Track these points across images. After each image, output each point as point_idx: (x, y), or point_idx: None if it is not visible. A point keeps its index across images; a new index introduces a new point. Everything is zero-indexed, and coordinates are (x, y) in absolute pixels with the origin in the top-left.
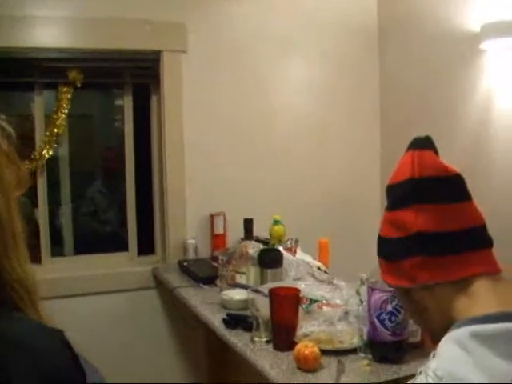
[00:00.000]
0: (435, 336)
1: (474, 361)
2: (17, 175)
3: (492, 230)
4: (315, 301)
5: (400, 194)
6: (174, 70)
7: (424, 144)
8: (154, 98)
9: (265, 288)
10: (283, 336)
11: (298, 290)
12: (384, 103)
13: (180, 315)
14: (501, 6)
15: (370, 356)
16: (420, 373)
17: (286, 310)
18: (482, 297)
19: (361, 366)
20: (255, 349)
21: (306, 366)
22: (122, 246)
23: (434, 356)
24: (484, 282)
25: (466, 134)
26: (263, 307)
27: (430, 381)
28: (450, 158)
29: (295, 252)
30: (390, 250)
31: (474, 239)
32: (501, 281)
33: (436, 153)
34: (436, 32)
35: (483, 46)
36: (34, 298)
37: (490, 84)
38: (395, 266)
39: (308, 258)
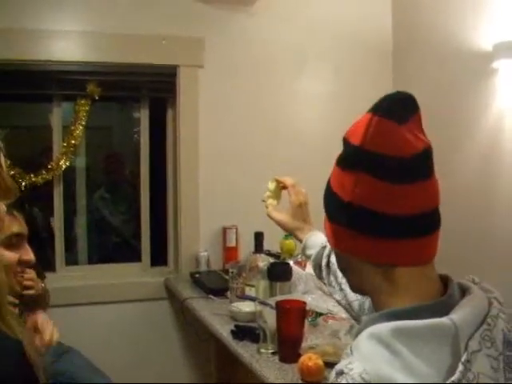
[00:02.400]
0: (350, 285)
1: (399, 361)
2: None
3: (503, 250)
4: (321, 314)
5: (348, 155)
6: (191, 84)
7: (390, 110)
8: (170, 112)
9: (272, 300)
10: (289, 348)
11: (304, 303)
12: None
13: (190, 326)
14: None
15: None
16: (340, 373)
17: (292, 322)
18: (404, 286)
19: None
20: (261, 360)
21: (310, 377)
22: (136, 257)
23: (351, 352)
24: (407, 270)
25: (477, 152)
26: (270, 319)
27: None
28: (462, 177)
29: (305, 266)
30: (327, 202)
31: (406, 226)
32: (427, 269)
33: (411, 114)
34: (449, 50)
35: (495, 64)
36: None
37: (502, 103)
38: (326, 219)
39: None
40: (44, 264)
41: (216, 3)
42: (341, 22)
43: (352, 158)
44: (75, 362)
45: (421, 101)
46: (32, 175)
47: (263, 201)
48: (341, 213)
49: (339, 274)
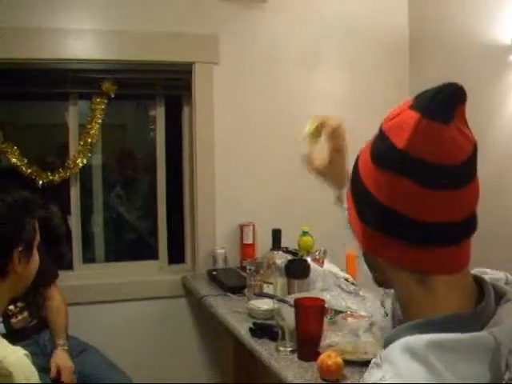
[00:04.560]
0: (374, 279)
1: (436, 379)
2: None
3: None
4: (340, 312)
5: (390, 156)
6: (206, 81)
7: (438, 111)
8: (185, 109)
9: (291, 298)
10: (308, 346)
11: (322, 301)
12: None
13: (208, 323)
14: None
15: None
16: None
17: (311, 320)
18: (439, 295)
19: None
20: (280, 358)
21: (329, 376)
22: (153, 255)
23: (382, 362)
24: (444, 278)
25: (495, 147)
26: (289, 317)
27: None
28: (479, 171)
29: (323, 263)
30: (358, 199)
31: (446, 233)
32: (463, 275)
33: (459, 108)
34: (466, 44)
35: None
36: None
37: None
38: (355, 216)
39: (335, 269)
40: (61, 262)
41: (230, 0)
42: (356, 18)
43: (394, 160)
44: (93, 359)
45: None
46: (49, 173)
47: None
48: (374, 214)
49: None
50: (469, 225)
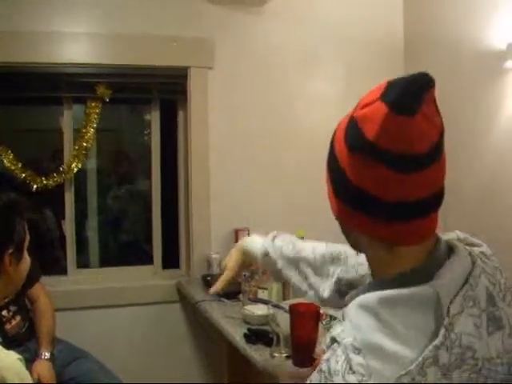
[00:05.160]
0: (349, 244)
1: (387, 329)
2: None
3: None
4: (335, 317)
5: (361, 145)
6: (201, 86)
7: (405, 103)
8: (181, 114)
9: (286, 304)
10: (303, 352)
11: (317, 307)
12: None
13: (202, 329)
14: None
15: None
16: (334, 340)
17: (306, 326)
18: (403, 257)
19: None
20: (275, 364)
21: None
22: (147, 260)
23: (343, 319)
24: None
25: (489, 152)
26: (283, 323)
27: (351, 353)
28: (473, 176)
29: None
30: (334, 177)
31: (415, 209)
32: (428, 242)
33: (426, 95)
34: (461, 49)
35: (509, 64)
36: None
37: None
38: (331, 192)
39: None
40: (55, 267)
41: (226, 4)
42: (352, 23)
43: (364, 147)
44: (86, 365)
45: None
46: (43, 178)
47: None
48: (347, 191)
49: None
50: (435, 199)
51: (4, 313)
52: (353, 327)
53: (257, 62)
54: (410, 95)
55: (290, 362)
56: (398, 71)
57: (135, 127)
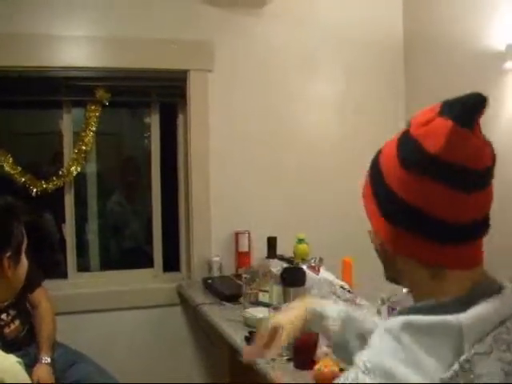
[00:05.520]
0: (388, 278)
1: (403, 353)
2: None
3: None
4: None
5: (422, 162)
6: (201, 89)
7: (467, 118)
8: (180, 117)
9: (286, 306)
10: (303, 354)
11: None
12: (410, 120)
13: (203, 332)
14: None
15: None
16: (355, 366)
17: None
18: (447, 287)
19: None
20: (276, 367)
21: None
22: (148, 263)
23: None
24: (456, 273)
25: None
26: None
27: (360, 373)
28: None
29: (319, 271)
30: (382, 200)
31: (466, 232)
32: (476, 273)
33: (479, 116)
34: (461, 50)
35: (508, 65)
36: None
37: None
38: (377, 215)
39: (331, 277)
40: (55, 271)
41: (225, 6)
42: (351, 25)
43: (424, 164)
44: (86, 369)
45: (432, 100)
46: (43, 182)
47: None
48: (398, 211)
49: None
50: (485, 224)
51: (3, 316)
52: (372, 348)
53: (256, 65)
54: (470, 110)
55: (291, 365)
56: (398, 73)
57: (135, 131)
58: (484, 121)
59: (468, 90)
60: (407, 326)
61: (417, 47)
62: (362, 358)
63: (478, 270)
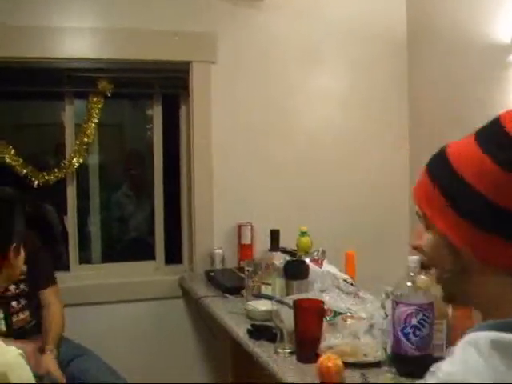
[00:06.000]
0: (448, 297)
1: (491, 374)
2: None
3: None
4: (339, 313)
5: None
6: (204, 80)
7: None
8: (183, 108)
9: (289, 299)
10: (307, 348)
11: (322, 302)
12: (413, 114)
13: (206, 325)
14: None
15: (394, 370)
16: (430, 373)
17: (310, 321)
18: None
19: (385, 379)
20: (278, 360)
21: (329, 378)
22: (150, 255)
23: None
24: None
25: None
26: (287, 318)
27: None
28: None
29: (321, 264)
30: (464, 201)
31: None
32: None
33: None
34: (465, 42)
35: None
36: None
37: None
38: (454, 215)
39: (334, 270)
40: (57, 263)
41: None
42: (354, 17)
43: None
44: (88, 362)
45: (436, 94)
46: (45, 173)
47: None
48: (488, 216)
49: None
50: None
51: (13, 303)
52: (454, 361)
53: (259, 57)
54: None
55: (293, 358)
56: (401, 67)
57: (137, 122)
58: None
59: (471, 82)
60: (496, 344)
61: (421, 40)
62: (444, 369)
63: None
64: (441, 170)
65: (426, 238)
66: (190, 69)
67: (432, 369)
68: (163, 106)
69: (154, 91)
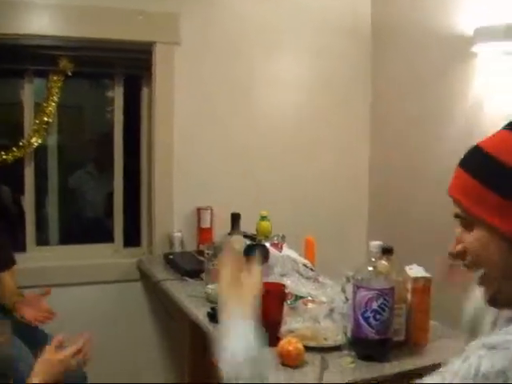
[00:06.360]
0: (494, 298)
1: None
2: None
3: None
4: (300, 297)
5: None
6: (167, 62)
7: None
8: (145, 90)
9: None
10: (268, 331)
11: (283, 286)
12: (375, 104)
13: (164, 308)
14: (494, 11)
15: (353, 354)
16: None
17: (271, 305)
18: None
19: (344, 363)
20: None
21: (290, 361)
22: (108, 237)
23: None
24: None
25: (456, 136)
26: None
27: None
28: (440, 162)
29: (281, 248)
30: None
31: None
32: None
33: None
34: (429, 34)
35: (475, 48)
36: None
37: (481, 87)
38: (501, 204)
39: (294, 255)
40: (14, 244)
41: None
42: (320, 5)
43: None
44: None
45: (400, 85)
46: (3, 153)
47: None
48: None
49: None
50: None
51: None
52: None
53: (224, 39)
54: None
55: None
56: (365, 59)
57: (98, 103)
58: (451, 102)
59: (435, 73)
60: None
61: (385, 31)
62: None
63: None
64: (480, 164)
65: (470, 238)
66: (153, 50)
67: (491, 341)
68: (125, 88)
69: (115, 71)
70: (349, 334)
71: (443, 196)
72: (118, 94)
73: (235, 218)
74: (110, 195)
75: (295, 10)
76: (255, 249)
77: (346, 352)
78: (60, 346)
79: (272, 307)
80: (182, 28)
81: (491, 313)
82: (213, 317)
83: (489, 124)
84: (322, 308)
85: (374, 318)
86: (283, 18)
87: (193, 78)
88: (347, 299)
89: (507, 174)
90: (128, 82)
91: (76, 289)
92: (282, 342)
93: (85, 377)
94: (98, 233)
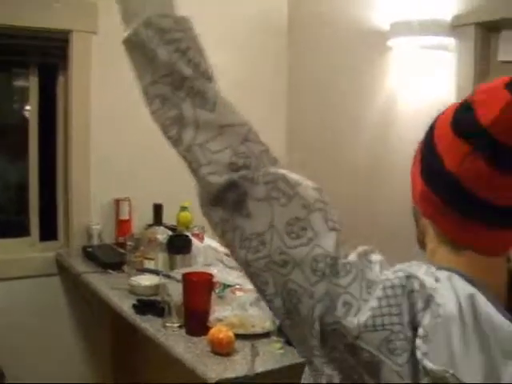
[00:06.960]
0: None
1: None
2: None
3: (389, 227)
4: (228, 286)
5: (469, 128)
6: (84, 51)
7: None
8: (61, 79)
9: (176, 273)
10: (196, 321)
11: (211, 275)
12: (292, 97)
13: (84, 302)
14: (410, 6)
15: (282, 340)
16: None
17: (200, 294)
18: (465, 261)
19: (273, 349)
20: (168, 334)
21: (221, 349)
22: (24, 231)
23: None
24: (477, 257)
25: (369, 131)
26: (175, 292)
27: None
28: (352, 155)
29: (203, 238)
30: (426, 157)
31: (496, 216)
32: (498, 261)
33: None
34: (346, 28)
35: (390, 43)
36: None
37: (396, 80)
38: (416, 173)
39: (215, 245)
40: None
41: None
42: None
43: (472, 133)
44: None
45: (317, 79)
46: None
47: None
48: (438, 180)
49: None
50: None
51: None
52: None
53: None
54: None
55: (182, 332)
56: (281, 50)
57: (12, 93)
58: (367, 96)
59: (351, 67)
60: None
61: (300, 24)
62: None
63: (501, 262)
64: (428, 134)
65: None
66: (70, 38)
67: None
68: (40, 77)
69: (30, 60)
70: (276, 321)
71: (353, 190)
72: (32, 84)
73: (157, 209)
74: (26, 188)
75: (215, 6)
76: (178, 240)
77: (274, 338)
78: None
79: (200, 297)
80: (99, 17)
81: None
82: (139, 309)
83: (404, 116)
84: (249, 296)
85: None
86: (204, 11)
87: (111, 67)
88: None
89: (443, 173)
90: (44, 71)
91: None
92: (213, 331)
93: (2, 374)
94: (12, 227)
